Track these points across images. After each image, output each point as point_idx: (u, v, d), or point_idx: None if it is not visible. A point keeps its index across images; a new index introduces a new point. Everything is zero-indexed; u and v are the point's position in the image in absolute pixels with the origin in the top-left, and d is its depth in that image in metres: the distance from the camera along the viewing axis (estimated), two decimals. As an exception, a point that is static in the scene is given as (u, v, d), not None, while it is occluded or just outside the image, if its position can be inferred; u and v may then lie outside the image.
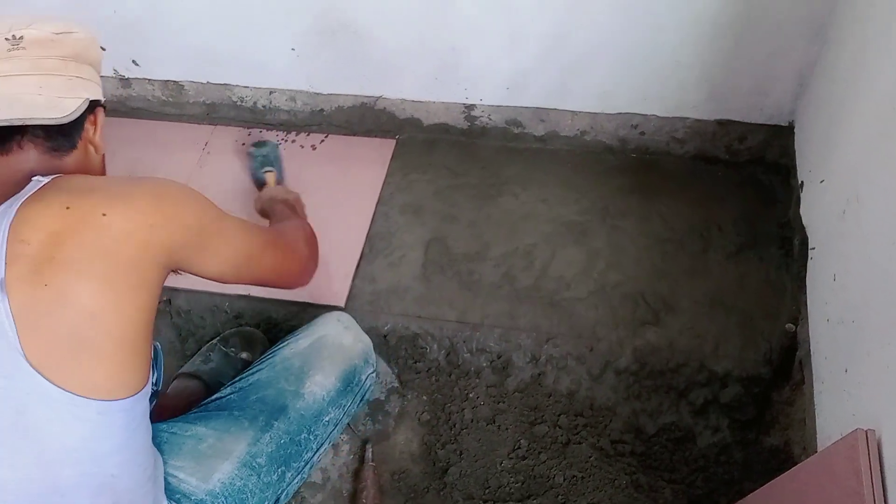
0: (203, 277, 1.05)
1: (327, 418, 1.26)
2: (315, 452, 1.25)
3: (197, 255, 1.00)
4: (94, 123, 1.04)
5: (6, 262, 0.82)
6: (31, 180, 0.91)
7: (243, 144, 1.91)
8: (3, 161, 0.95)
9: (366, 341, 1.38)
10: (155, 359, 1.29)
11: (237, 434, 1.15)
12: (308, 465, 1.24)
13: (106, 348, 0.86)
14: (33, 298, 0.82)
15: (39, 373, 0.82)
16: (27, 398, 0.84)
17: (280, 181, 1.74)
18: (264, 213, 1.55)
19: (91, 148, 1.04)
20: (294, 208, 1.54)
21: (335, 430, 1.29)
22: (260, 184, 1.72)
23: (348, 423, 1.47)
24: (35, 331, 0.82)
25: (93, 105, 1.03)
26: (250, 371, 1.28)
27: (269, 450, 1.16)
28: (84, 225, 0.86)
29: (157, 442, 1.10)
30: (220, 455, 1.11)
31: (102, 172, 1.09)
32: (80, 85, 1.01)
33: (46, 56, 0.97)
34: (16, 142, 0.95)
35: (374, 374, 1.38)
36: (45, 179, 0.90)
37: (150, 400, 1.29)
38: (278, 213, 1.49)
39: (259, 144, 1.75)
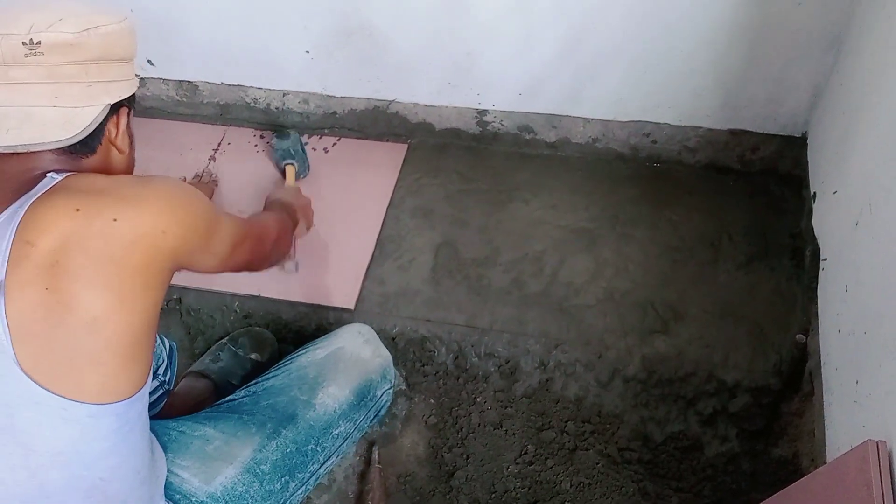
0: (195, 272, 1.04)
1: (337, 431, 1.24)
2: (321, 465, 1.23)
3: (198, 255, 0.99)
4: (117, 125, 0.99)
5: (8, 264, 0.80)
6: (45, 176, 0.89)
7: (255, 146, 1.92)
8: (17, 159, 0.91)
9: (385, 356, 1.37)
10: (170, 358, 1.29)
11: (244, 439, 1.14)
12: (314, 477, 1.22)
13: (103, 355, 0.85)
14: (32, 303, 0.80)
15: (30, 377, 0.81)
16: (16, 401, 0.83)
17: (302, 174, 1.77)
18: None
19: (113, 150, 1.00)
20: (293, 213, 1.49)
21: (344, 444, 1.27)
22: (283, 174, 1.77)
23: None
24: (29, 335, 0.81)
25: (118, 105, 0.99)
26: (265, 376, 1.27)
27: (275, 458, 1.14)
28: (93, 229, 0.84)
29: (165, 440, 1.09)
30: (225, 458, 1.10)
31: (129, 171, 1.06)
32: (101, 90, 0.95)
33: (65, 62, 0.91)
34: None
35: (390, 391, 1.36)
36: (59, 177, 0.89)
37: (161, 398, 1.29)
38: (276, 211, 1.45)
39: (281, 136, 1.77)
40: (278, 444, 1.15)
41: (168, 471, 1.07)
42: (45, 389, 0.82)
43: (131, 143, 1.05)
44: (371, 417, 1.33)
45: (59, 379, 0.83)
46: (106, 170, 1.00)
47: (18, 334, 0.80)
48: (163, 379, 1.28)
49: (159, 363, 1.27)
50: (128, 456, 0.93)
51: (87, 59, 0.93)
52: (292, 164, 1.73)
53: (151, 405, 1.28)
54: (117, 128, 1.00)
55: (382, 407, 1.36)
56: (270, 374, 1.27)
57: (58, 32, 0.90)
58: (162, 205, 0.91)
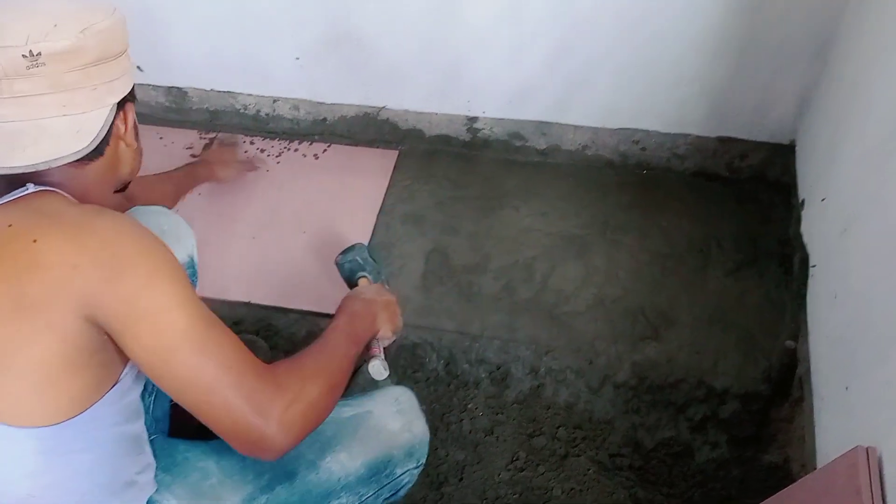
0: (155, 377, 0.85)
1: (336, 502, 1.11)
2: None
3: (124, 330, 0.82)
4: (125, 120, 0.97)
5: None
6: (24, 185, 0.86)
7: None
8: None
9: (417, 432, 1.17)
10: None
11: (238, 483, 1.06)
12: None
13: (6, 375, 0.79)
14: None
15: None
16: None
17: (381, 281, 1.42)
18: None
19: (122, 145, 0.98)
20: (371, 307, 1.22)
21: None
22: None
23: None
24: None
25: (122, 102, 0.96)
26: None
27: None
28: (12, 248, 0.80)
29: (169, 462, 1.04)
30: (214, 499, 1.03)
31: (136, 168, 1.04)
32: (105, 91, 0.93)
33: (67, 70, 0.89)
34: None
35: (415, 471, 1.18)
36: (31, 189, 0.86)
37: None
38: (327, 338, 1.10)
39: (345, 252, 1.44)
40: (268, 499, 1.06)
41: (167, 490, 1.02)
42: None
43: (137, 134, 1.02)
44: (385, 495, 1.17)
45: None
46: (114, 168, 0.98)
47: None
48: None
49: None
50: (67, 479, 0.87)
51: (88, 63, 0.91)
52: (365, 275, 1.40)
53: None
54: (125, 124, 0.97)
55: (402, 487, 1.18)
56: None
57: (55, 41, 0.88)
58: (94, 239, 0.81)
